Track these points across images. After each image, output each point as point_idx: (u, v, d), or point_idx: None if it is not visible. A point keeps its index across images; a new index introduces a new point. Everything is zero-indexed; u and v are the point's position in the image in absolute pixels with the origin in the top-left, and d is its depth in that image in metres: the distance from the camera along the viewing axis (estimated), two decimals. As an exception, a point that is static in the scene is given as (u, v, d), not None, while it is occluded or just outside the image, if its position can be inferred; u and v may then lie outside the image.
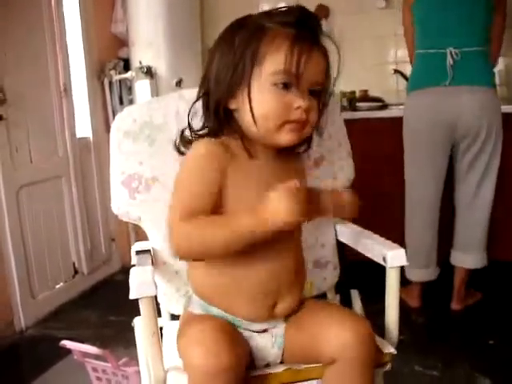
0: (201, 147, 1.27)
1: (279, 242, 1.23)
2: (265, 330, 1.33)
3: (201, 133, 1.33)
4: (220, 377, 1.12)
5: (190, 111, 1.34)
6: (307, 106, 1.21)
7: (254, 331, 1.32)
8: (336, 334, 1.21)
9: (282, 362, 1.34)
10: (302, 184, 1.14)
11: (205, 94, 1.30)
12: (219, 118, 1.28)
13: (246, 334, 1.32)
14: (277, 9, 1.25)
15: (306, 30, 1.21)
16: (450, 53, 2.67)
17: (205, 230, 1.17)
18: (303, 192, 1.12)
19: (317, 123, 1.29)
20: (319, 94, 1.26)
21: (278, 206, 1.10)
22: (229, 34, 1.26)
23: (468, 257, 2.93)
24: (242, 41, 1.22)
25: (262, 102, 1.21)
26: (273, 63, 1.19)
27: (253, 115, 1.21)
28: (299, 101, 1.20)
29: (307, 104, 1.21)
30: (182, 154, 1.36)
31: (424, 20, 2.80)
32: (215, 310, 1.32)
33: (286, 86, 1.20)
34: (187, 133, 1.36)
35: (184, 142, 1.36)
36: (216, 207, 1.23)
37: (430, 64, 2.77)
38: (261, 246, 1.18)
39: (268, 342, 1.32)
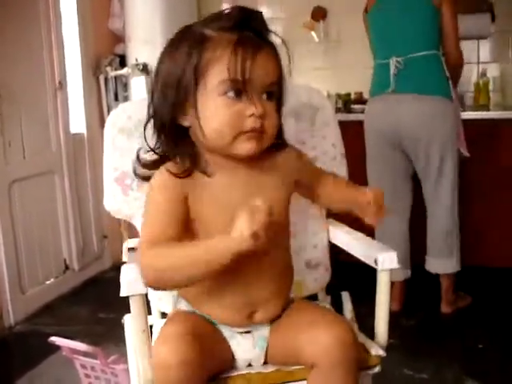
0: (156, 179, 1.22)
1: (258, 255, 1.15)
2: (248, 332, 1.32)
3: (155, 156, 1.27)
4: (177, 370, 1.11)
5: (144, 134, 1.26)
6: (261, 113, 1.14)
7: (237, 332, 1.32)
8: (317, 338, 1.19)
9: (265, 363, 1.34)
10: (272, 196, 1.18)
11: (153, 115, 1.23)
12: (170, 138, 1.22)
13: (227, 333, 1.31)
14: (217, 13, 1.19)
15: (247, 31, 1.14)
16: (393, 62, 2.72)
17: (169, 257, 1.12)
18: (264, 213, 1.02)
19: (278, 125, 1.23)
20: (274, 94, 1.20)
21: (235, 234, 1.02)
22: (170, 48, 1.20)
23: (438, 262, 2.94)
24: (182, 54, 1.15)
25: (212, 116, 1.15)
26: (217, 73, 1.13)
27: (203, 131, 1.16)
28: (251, 108, 1.14)
29: (260, 110, 1.14)
30: (143, 179, 1.29)
31: (375, 31, 2.87)
32: (199, 312, 1.32)
33: (236, 95, 1.14)
34: (145, 154, 1.30)
35: (144, 165, 1.28)
36: (187, 231, 1.21)
37: (380, 74, 2.85)
38: (240, 258, 1.09)
39: (249, 342, 1.32)
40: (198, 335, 1.18)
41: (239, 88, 1.13)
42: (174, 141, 1.22)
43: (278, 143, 1.29)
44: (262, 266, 1.25)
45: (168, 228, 1.17)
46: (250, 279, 1.26)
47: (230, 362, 1.31)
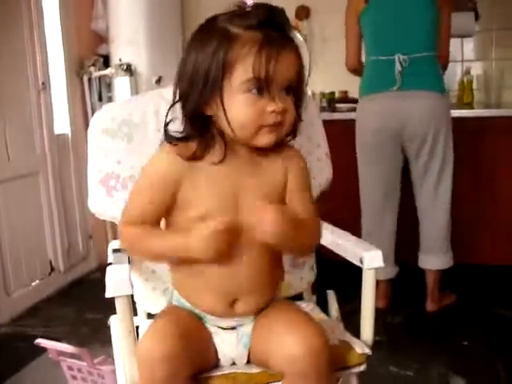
0: (154, 160, 1.31)
1: (245, 246, 1.26)
2: (233, 328, 1.33)
3: (176, 135, 1.32)
4: (160, 364, 1.13)
5: (167, 113, 1.32)
6: (282, 109, 1.21)
7: (222, 328, 1.33)
8: (284, 346, 1.19)
9: (248, 361, 1.35)
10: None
11: (181, 98, 1.29)
12: (195, 124, 1.28)
13: (212, 329, 1.33)
14: (242, 10, 1.23)
15: (272, 29, 1.20)
16: (399, 59, 2.72)
17: (142, 241, 1.27)
18: (228, 232, 1.18)
19: (295, 119, 1.28)
20: (294, 90, 1.25)
21: (198, 242, 1.18)
22: (198, 41, 1.26)
23: (432, 258, 2.96)
24: (210, 48, 1.21)
25: (237, 111, 1.21)
26: (242, 71, 1.19)
27: (229, 123, 1.22)
28: (272, 105, 1.20)
29: (281, 107, 1.21)
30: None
31: (374, 28, 2.85)
32: (187, 306, 1.34)
33: (258, 92, 1.20)
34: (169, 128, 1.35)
35: (168, 137, 1.34)
36: (168, 214, 1.31)
37: (381, 70, 2.83)
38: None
39: (233, 338, 1.32)
40: (185, 331, 1.21)
41: (262, 85, 1.19)
42: (197, 126, 1.28)
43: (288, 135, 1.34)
44: (244, 259, 1.28)
45: (148, 210, 1.28)
46: (234, 267, 1.28)
47: (213, 360, 1.32)
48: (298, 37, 1.28)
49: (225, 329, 1.33)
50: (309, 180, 1.41)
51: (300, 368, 1.17)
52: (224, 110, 1.22)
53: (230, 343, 1.32)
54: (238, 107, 1.21)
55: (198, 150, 1.27)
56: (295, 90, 1.26)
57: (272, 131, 1.24)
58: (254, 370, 1.31)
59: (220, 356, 1.33)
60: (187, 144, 1.29)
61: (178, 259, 1.26)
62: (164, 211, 1.30)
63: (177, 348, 1.14)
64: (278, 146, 1.32)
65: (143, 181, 1.32)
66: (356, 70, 2.98)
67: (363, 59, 2.96)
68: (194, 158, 1.27)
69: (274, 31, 1.20)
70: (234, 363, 1.34)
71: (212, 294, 1.30)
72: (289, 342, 1.18)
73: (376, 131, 2.84)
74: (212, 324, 1.33)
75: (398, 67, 2.72)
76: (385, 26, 2.80)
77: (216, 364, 1.33)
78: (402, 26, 2.75)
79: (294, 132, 1.33)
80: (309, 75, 1.36)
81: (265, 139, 1.24)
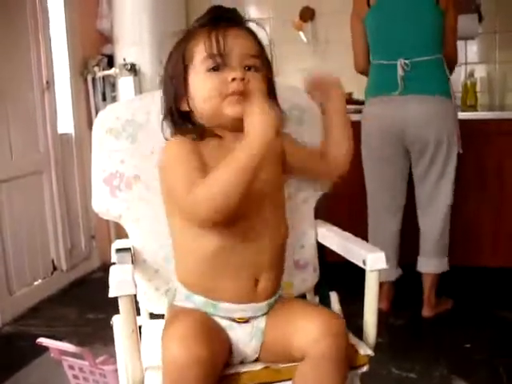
0: (172, 143, 1.37)
1: (260, 219, 1.32)
2: (247, 321, 1.33)
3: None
4: (191, 369, 1.13)
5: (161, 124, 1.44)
6: (242, 76, 1.29)
7: (236, 320, 1.33)
8: (307, 330, 1.22)
9: (257, 360, 1.35)
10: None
11: (163, 106, 1.43)
12: (174, 121, 1.40)
13: (226, 324, 1.32)
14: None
15: (219, 19, 1.34)
16: (401, 64, 2.72)
17: (211, 183, 1.21)
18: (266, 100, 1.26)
19: (268, 94, 1.38)
20: (255, 67, 1.35)
21: (253, 123, 1.19)
22: (171, 50, 1.42)
23: (428, 262, 2.95)
24: (174, 50, 1.39)
25: (200, 89, 1.33)
26: (199, 54, 1.33)
27: (196, 106, 1.34)
28: (232, 73, 1.29)
29: (241, 74, 1.29)
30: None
31: (377, 32, 2.85)
32: (198, 299, 1.33)
33: (218, 69, 1.31)
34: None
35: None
36: None
37: (383, 75, 2.83)
38: (242, 225, 1.29)
39: (247, 333, 1.33)
40: (206, 332, 1.21)
41: (219, 61, 1.31)
42: (180, 125, 1.39)
43: None
44: (262, 234, 1.33)
45: (198, 173, 1.27)
46: (253, 248, 1.32)
47: (227, 355, 1.32)
48: (255, 26, 1.45)
49: (239, 322, 1.33)
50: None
51: (321, 349, 1.20)
52: (191, 97, 1.34)
53: (245, 338, 1.33)
54: (201, 85, 1.33)
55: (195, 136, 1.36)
56: (257, 68, 1.35)
57: (238, 101, 1.29)
58: (258, 366, 1.31)
59: (234, 351, 1.33)
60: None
61: (251, 171, 1.19)
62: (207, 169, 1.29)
63: (205, 350, 1.14)
64: None
65: (173, 165, 1.32)
66: (364, 72, 2.98)
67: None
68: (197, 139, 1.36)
69: (221, 19, 1.35)
70: (243, 361, 1.35)
71: (237, 273, 1.32)
72: (311, 326, 1.22)
73: (379, 135, 2.85)
74: (225, 315, 1.33)
75: (399, 72, 2.72)
76: (387, 31, 2.80)
77: (228, 361, 1.32)
78: (404, 30, 2.74)
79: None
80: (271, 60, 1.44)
81: (231, 109, 1.30)
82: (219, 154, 1.28)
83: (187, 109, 1.37)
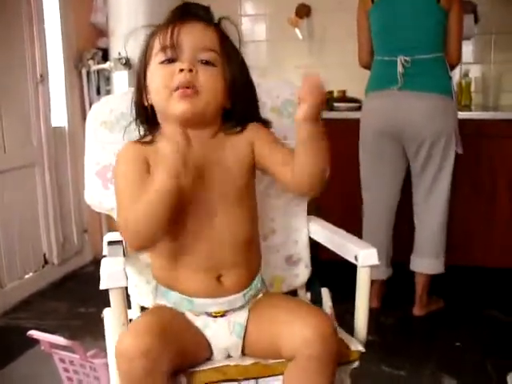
0: (120, 152, 1.39)
1: (219, 217, 1.33)
2: (223, 315, 1.33)
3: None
4: (139, 361, 1.12)
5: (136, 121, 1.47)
6: (189, 67, 1.29)
7: (212, 315, 1.33)
8: (297, 330, 1.21)
9: (243, 354, 1.35)
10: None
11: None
12: (141, 116, 1.43)
13: (201, 323, 1.33)
14: None
15: (180, 13, 1.35)
16: (401, 61, 2.72)
17: (136, 208, 1.23)
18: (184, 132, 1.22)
19: (216, 89, 1.33)
20: (212, 62, 1.34)
21: (165, 156, 1.20)
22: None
23: (422, 261, 2.96)
24: (143, 44, 1.41)
25: (152, 80, 1.35)
26: (155, 48, 1.34)
27: (149, 98, 1.37)
28: (180, 64, 1.30)
29: (188, 66, 1.29)
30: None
31: (379, 28, 2.86)
32: (173, 295, 1.35)
33: (170, 61, 1.32)
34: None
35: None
36: None
37: (384, 70, 2.84)
38: (199, 223, 1.31)
39: (225, 328, 1.33)
40: (166, 328, 1.21)
41: (171, 55, 1.32)
42: (143, 119, 1.43)
43: (235, 123, 1.41)
44: (221, 232, 1.33)
45: (138, 194, 1.26)
46: (211, 244, 1.32)
47: (206, 353, 1.33)
48: (226, 22, 1.44)
49: (215, 316, 1.33)
50: (282, 143, 1.43)
51: (312, 350, 1.20)
52: (147, 90, 1.37)
53: (222, 333, 1.33)
54: (153, 77, 1.34)
55: (148, 134, 1.41)
56: (214, 63, 1.34)
57: (183, 97, 1.29)
58: (248, 361, 1.31)
59: (214, 349, 1.33)
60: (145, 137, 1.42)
61: (166, 196, 1.21)
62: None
63: (153, 344, 1.14)
64: (240, 130, 1.40)
65: (119, 175, 1.36)
66: (368, 66, 2.98)
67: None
68: (150, 142, 1.38)
69: (185, 15, 1.35)
70: (229, 356, 1.34)
71: (197, 271, 1.32)
72: (302, 326, 1.21)
73: (376, 129, 2.85)
74: (201, 311, 1.33)
75: (399, 69, 2.72)
76: (389, 27, 2.80)
77: (209, 357, 1.33)
78: (406, 27, 2.75)
79: (239, 119, 1.41)
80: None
81: (178, 107, 1.30)
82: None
83: (146, 104, 1.39)
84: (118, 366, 1.18)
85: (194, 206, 1.31)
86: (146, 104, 1.39)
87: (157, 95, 1.34)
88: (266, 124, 1.46)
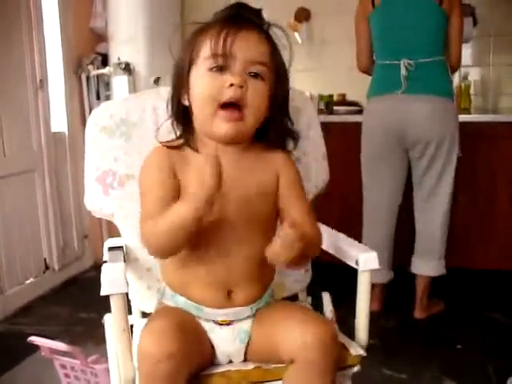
0: (149, 156, 1.36)
1: (234, 236, 1.30)
2: (229, 324, 1.33)
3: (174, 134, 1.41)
4: (163, 364, 1.13)
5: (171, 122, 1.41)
6: (240, 83, 1.23)
7: (219, 322, 1.33)
8: (297, 335, 1.21)
9: (245, 360, 1.35)
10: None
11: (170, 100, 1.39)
12: (178, 117, 1.38)
13: (208, 327, 1.33)
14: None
15: (234, 17, 1.28)
16: (404, 64, 2.72)
17: (158, 224, 1.22)
18: (217, 164, 1.15)
19: (263, 106, 1.29)
20: (262, 75, 1.28)
21: (195, 182, 1.17)
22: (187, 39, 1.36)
23: (423, 263, 2.95)
24: (188, 40, 1.33)
25: (198, 86, 1.28)
26: (204, 50, 1.27)
27: (191, 104, 1.31)
28: (231, 78, 1.24)
29: (239, 80, 1.23)
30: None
31: (381, 32, 2.85)
32: (181, 300, 1.34)
33: (220, 70, 1.26)
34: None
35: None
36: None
37: (387, 74, 2.83)
38: (218, 241, 1.29)
39: (229, 335, 1.33)
40: (182, 330, 1.21)
41: (223, 63, 1.25)
42: (179, 119, 1.38)
43: (270, 139, 1.38)
44: (238, 252, 1.31)
45: (161, 203, 1.25)
46: (226, 263, 1.31)
47: (210, 357, 1.33)
48: (280, 33, 1.38)
49: (221, 324, 1.33)
50: (302, 186, 1.42)
51: (312, 355, 1.20)
52: (189, 93, 1.30)
53: (227, 339, 1.33)
54: (199, 82, 1.28)
55: (183, 140, 1.36)
56: (264, 76, 1.28)
57: (229, 119, 1.25)
58: (250, 366, 1.31)
59: (217, 353, 1.33)
60: (176, 140, 1.38)
61: (191, 223, 1.19)
62: (175, 197, 1.27)
63: (176, 346, 1.14)
64: (267, 147, 1.38)
65: (144, 181, 1.34)
66: (367, 71, 2.97)
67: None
68: (179, 146, 1.35)
69: (236, 17, 1.28)
70: (230, 361, 1.35)
71: (208, 285, 1.31)
72: (302, 331, 1.21)
73: (380, 132, 2.85)
74: (208, 318, 1.33)
75: (403, 72, 2.72)
76: (391, 31, 2.80)
77: (213, 362, 1.33)
78: (408, 30, 2.74)
79: (275, 136, 1.38)
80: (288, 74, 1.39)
81: (222, 127, 1.26)
82: (192, 171, 1.24)
83: (186, 103, 1.34)
84: (141, 368, 1.18)
85: (216, 224, 1.28)
86: (184, 103, 1.34)
87: (201, 105, 1.29)
88: (295, 140, 1.45)
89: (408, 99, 2.75)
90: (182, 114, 1.37)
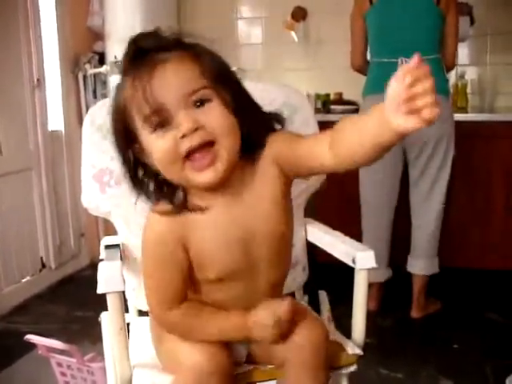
0: (151, 230, 1.19)
1: (259, 273, 1.24)
2: None
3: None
4: (213, 377, 1.13)
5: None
6: (190, 128, 1.06)
7: None
8: (289, 337, 1.21)
9: (246, 362, 1.34)
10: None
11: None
12: (141, 188, 1.20)
13: None
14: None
15: (139, 58, 1.10)
16: (402, 62, 2.71)
17: (191, 325, 1.20)
18: (289, 315, 1.17)
19: (240, 124, 1.12)
20: (210, 97, 1.10)
21: (262, 328, 1.17)
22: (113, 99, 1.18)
23: (419, 262, 2.96)
24: (114, 115, 1.16)
25: (153, 153, 1.11)
26: (136, 115, 1.10)
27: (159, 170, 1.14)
28: (178, 130, 1.06)
29: (188, 126, 1.06)
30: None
31: (378, 30, 2.85)
32: None
33: (162, 125, 1.08)
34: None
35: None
36: (190, 273, 1.21)
37: (383, 72, 2.78)
38: (238, 285, 1.22)
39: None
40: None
41: (159, 119, 1.07)
42: (147, 189, 1.19)
43: (252, 147, 1.17)
44: (256, 278, 1.25)
45: (173, 286, 1.19)
46: (246, 298, 1.24)
47: None
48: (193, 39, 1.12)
49: None
50: (299, 134, 1.20)
51: (303, 357, 1.20)
52: (148, 155, 1.13)
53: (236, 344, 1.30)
54: (153, 150, 1.10)
55: (171, 207, 1.17)
56: (211, 96, 1.10)
57: (202, 167, 1.08)
58: (246, 367, 1.31)
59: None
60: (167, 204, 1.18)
61: (232, 337, 1.22)
62: (187, 275, 1.20)
63: (225, 360, 1.16)
64: (247, 164, 1.18)
65: (149, 261, 1.21)
66: (360, 69, 2.97)
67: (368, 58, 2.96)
68: (178, 211, 1.16)
69: (145, 58, 1.09)
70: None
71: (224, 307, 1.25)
72: (294, 333, 1.21)
73: None
74: None
75: None
76: (388, 29, 2.79)
77: None
78: (406, 28, 2.74)
79: (253, 141, 1.16)
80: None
81: (199, 178, 1.10)
82: (204, 223, 1.17)
83: (146, 162, 1.16)
84: (187, 381, 1.14)
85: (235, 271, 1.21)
86: (144, 161, 1.16)
87: (166, 169, 1.11)
88: (280, 122, 1.23)
89: None
90: (151, 179, 1.18)
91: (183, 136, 1.06)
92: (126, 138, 1.14)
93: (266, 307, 1.18)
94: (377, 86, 2.84)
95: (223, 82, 1.12)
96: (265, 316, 1.17)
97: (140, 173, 1.19)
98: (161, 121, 1.08)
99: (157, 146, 1.09)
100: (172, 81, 1.08)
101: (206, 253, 1.18)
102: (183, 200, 1.17)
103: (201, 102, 1.09)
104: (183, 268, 1.18)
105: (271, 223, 1.19)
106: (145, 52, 1.10)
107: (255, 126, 1.16)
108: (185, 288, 1.21)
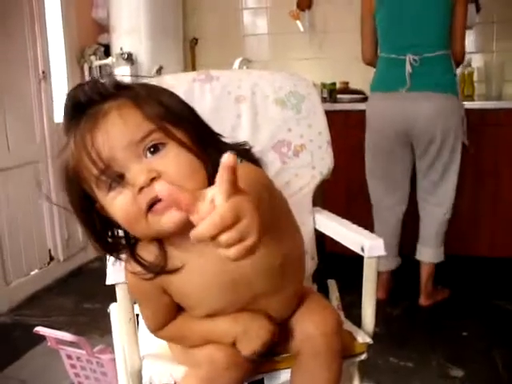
0: (129, 275, 1.15)
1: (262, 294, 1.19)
2: None
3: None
4: (230, 371, 1.14)
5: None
6: (146, 179, 0.98)
7: None
8: (302, 327, 1.21)
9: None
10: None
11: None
12: (110, 249, 1.15)
13: None
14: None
15: (79, 113, 1.03)
16: (409, 59, 2.70)
17: (183, 337, 1.22)
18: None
19: (203, 160, 1.03)
20: (163, 140, 1.01)
21: (248, 342, 1.15)
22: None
23: (426, 250, 2.96)
24: (65, 180, 1.08)
25: (114, 215, 1.04)
26: (87, 178, 1.03)
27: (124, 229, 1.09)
28: (134, 185, 0.99)
29: (143, 178, 0.98)
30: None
31: (386, 25, 2.82)
32: None
33: (119, 181, 1.01)
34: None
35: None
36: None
37: (391, 69, 2.81)
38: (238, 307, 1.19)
39: None
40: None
41: (112, 175, 1.01)
42: (116, 248, 1.15)
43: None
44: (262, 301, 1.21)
45: (160, 313, 1.21)
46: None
47: None
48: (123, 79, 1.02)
49: None
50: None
51: (316, 347, 1.18)
52: (111, 215, 1.06)
53: None
54: (113, 212, 1.04)
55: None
56: (164, 140, 1.01)
57: (163, 210, 0.99)
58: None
59: None
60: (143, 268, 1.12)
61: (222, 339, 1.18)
62: (175, 305, 1.20)
63: (238, 356, 1.16)
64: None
65: (134, 295, 1.25)
66: (371, 63, 2.95)
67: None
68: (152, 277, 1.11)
69: (85, 113, 1.02)
70: None
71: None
72: (306, 323, 1.20)
73: (385, 131, 2.84)
74: None
75: (408, 68, 2.70)
76: (396, 25, 2.77)
77: None
78: (414, 24, 2.71)
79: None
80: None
81: (165, 224, 1.01)
82: (188, 270, 1.11)
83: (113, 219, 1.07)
84: (203, 375, 1.14)
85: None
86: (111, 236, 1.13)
87: (130, 227, 1.05)
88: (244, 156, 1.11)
89: (412, 97, 2.73)
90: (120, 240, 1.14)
91: (140, 190, 0.99)
92: (84, 200, 1.08)
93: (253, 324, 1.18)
94: (385, 85, 2.84)
95: (174, 120, 1.04)
96: (253, 337, 1.16)
97: (108, 233, 1.13)
98: (112, 177, 1.00)
99: (115, 206, 1.02)
100: (115, 133, 1.00)
101: (191, 296, 1.16)
102: (160, 260, 1.10)
103: (154, 148, 1.01)
104: (167, 303, 1.19)
105: (265, 257, 1.03)
106: (83, 106, 1.03)
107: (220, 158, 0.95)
108: (174, 311, 1.21)
